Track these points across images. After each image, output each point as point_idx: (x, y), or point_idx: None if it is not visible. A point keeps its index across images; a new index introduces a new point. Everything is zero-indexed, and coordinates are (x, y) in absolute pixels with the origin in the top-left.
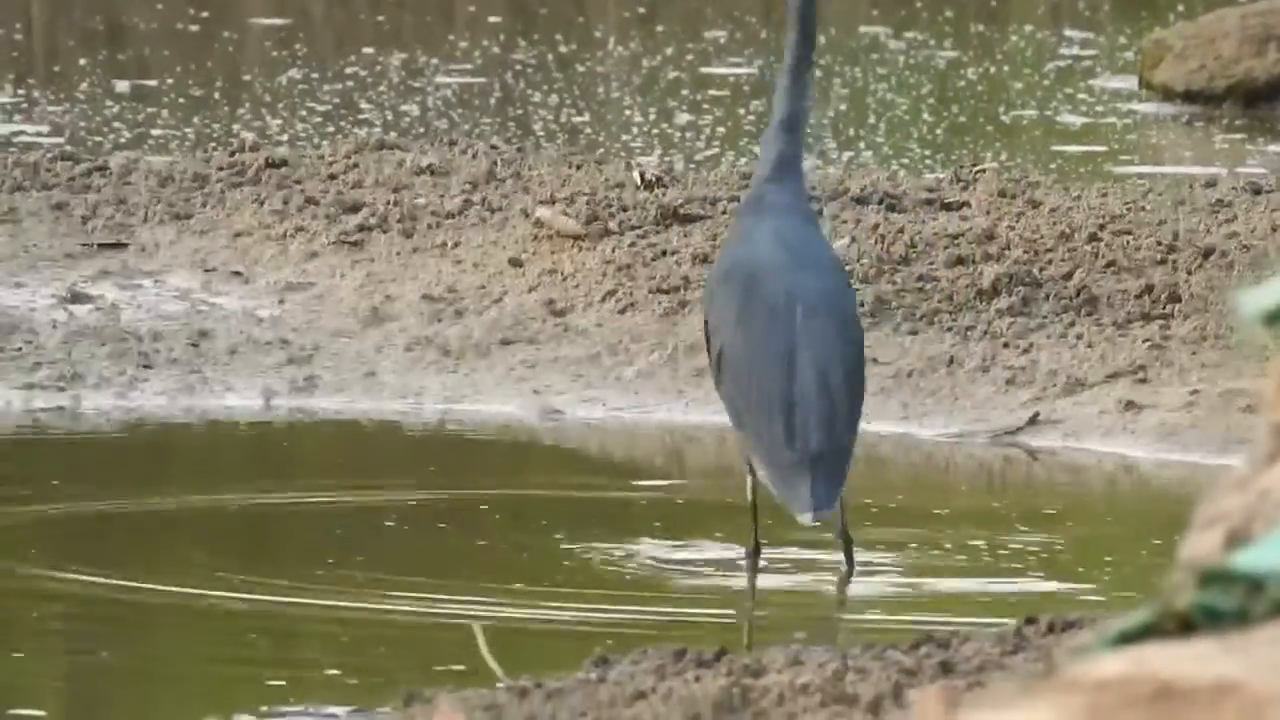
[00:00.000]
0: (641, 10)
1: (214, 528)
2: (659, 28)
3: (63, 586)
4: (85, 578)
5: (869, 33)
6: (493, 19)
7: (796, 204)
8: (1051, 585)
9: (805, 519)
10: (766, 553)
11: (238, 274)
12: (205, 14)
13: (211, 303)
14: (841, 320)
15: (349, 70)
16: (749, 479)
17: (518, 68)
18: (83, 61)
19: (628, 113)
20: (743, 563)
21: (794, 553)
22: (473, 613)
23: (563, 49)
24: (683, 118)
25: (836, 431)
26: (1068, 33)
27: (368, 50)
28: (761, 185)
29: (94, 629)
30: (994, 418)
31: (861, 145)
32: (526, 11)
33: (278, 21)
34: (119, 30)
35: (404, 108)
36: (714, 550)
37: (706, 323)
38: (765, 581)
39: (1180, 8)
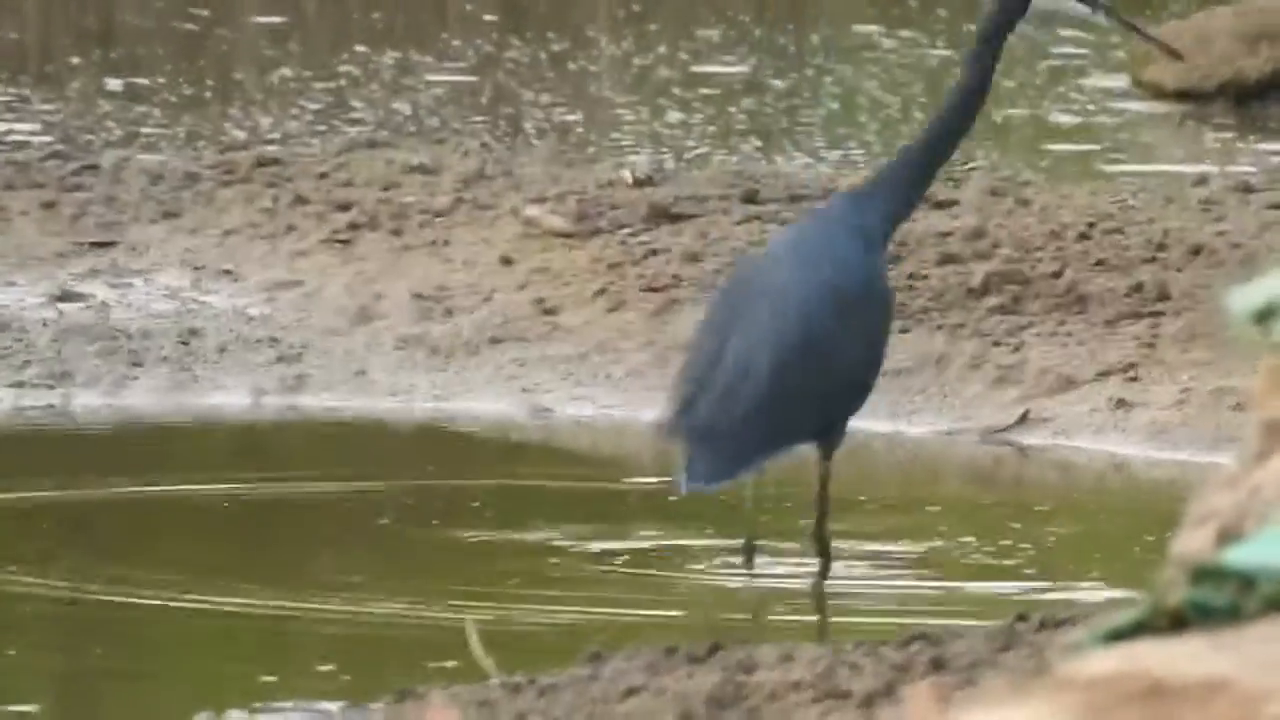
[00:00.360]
0: (636, 8)
1: (203, 523)
2: (651, 26)
3: (46, 585)
4: (70, 574)
5: (863, 31)
6: (486, 17)
7: (847, 214)
8: (1043, 582)
9: (678, 488)
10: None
11: (228, 272)
12: (199, 12)
13: (201, 301)
14: (803, 316)
15: (341, 68)
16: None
17: (509, 66)
18: (74, 59)
19: (618, 111)
20: (735, 558)
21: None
22: (463, 609)
23: (555, 47)
24: (673, 116)
25: (731, 412)
26: (1062, 31)
27: (361, 48)
28: (842, 195)
29: (81, 627)
30: (984, 415)
31: (852, 144)
32: (520, 9)
33: (273, 19)
34: (111, 28)
35: (395, 106)
36: (705, 543)
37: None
38: (758, 579)
39: (1175, 6)
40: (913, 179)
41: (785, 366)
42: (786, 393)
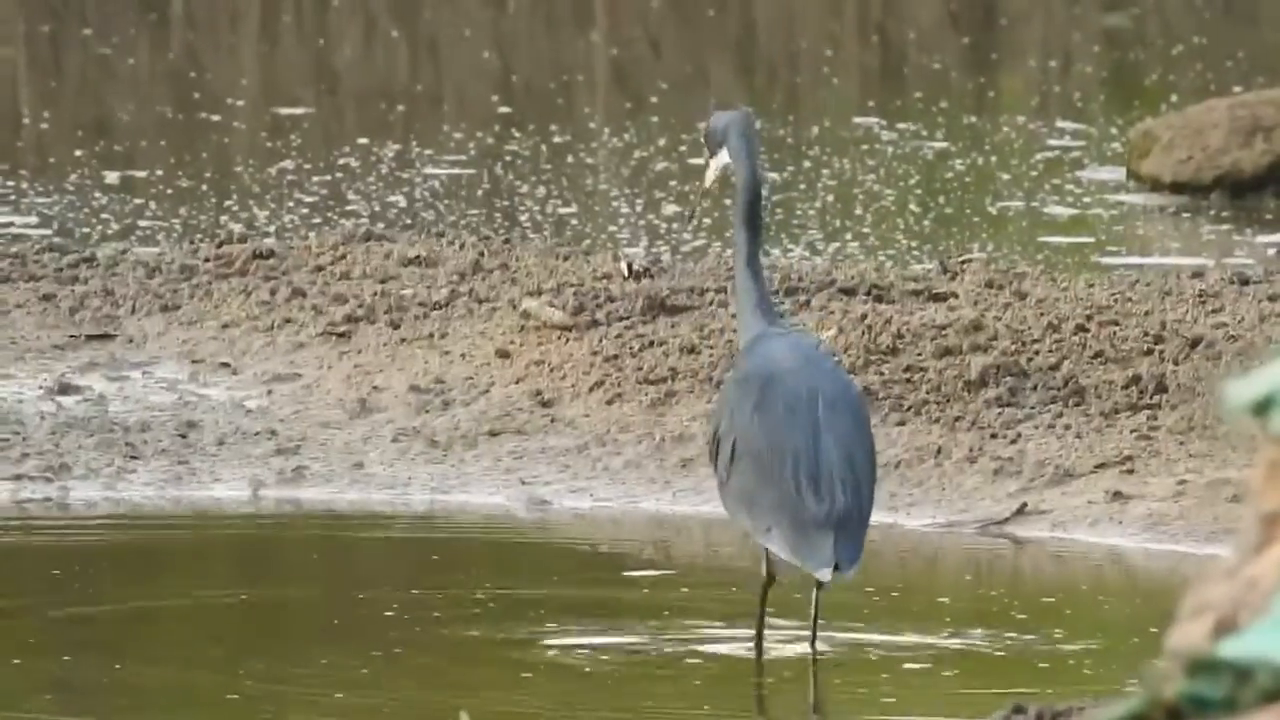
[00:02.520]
0: (637, 101)
1: (201, 620)
2: (653, 118)
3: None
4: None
5: (862, 124)
6: (490, 108)
7: (799, 337)
8: (1039, 674)
9: (824, 575)
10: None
11: (225, 365)
12: (195, 104)
13: (199, 394)
14: (861, 419)
15: (339, 161)
16: (763, 561)
17: (507, 158)
18: (74, 152)
19: (615, 203)
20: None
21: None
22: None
23: (556, 139)
24: (670, 209)
25: (862, 496)
26: (1059, 124)
27: (362, 140)
28: (759, 330)
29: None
30: (981, 508)
31: (848, 236)
32: (522, 101)
33: (272, 111)
34: (107, 121)
35: (391, 198)
36: (716, 635)
37: (716, 432)
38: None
39: (1174, 97)
40: (755, 291)
41: (873, 468)
42: (873, 481)
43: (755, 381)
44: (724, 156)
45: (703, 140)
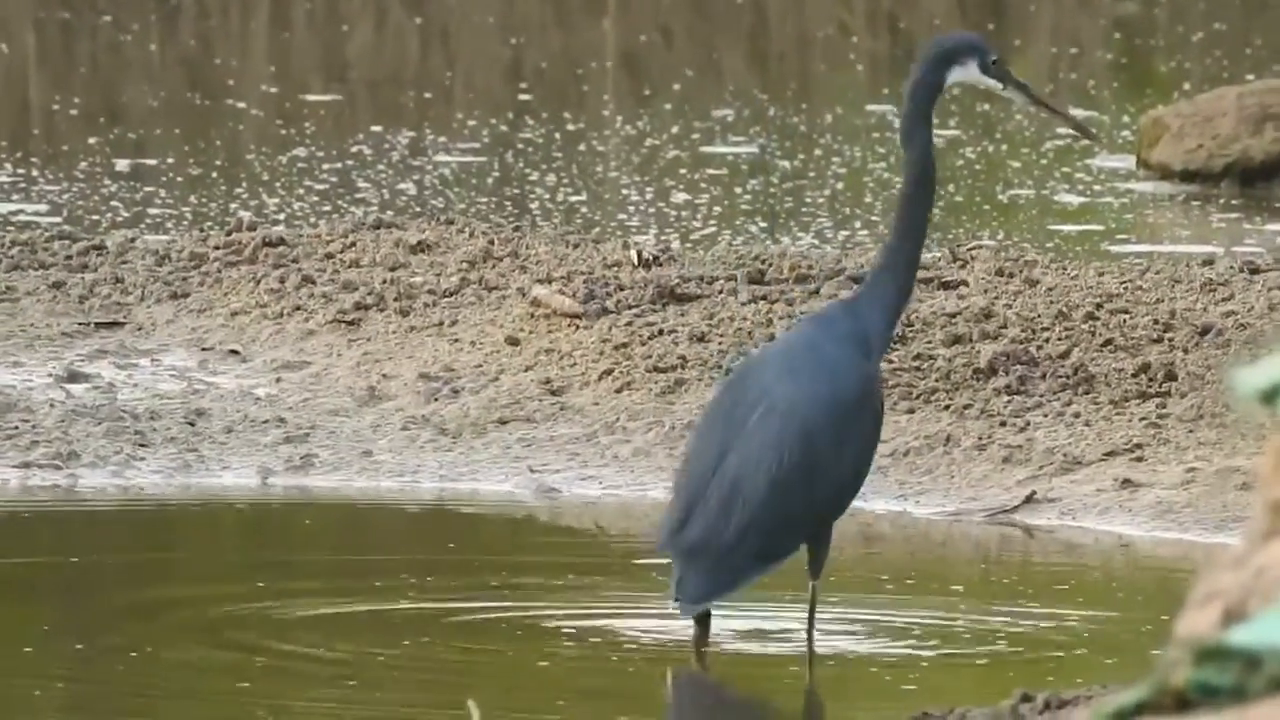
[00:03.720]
0: (653, 88)
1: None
2: (666, 105)
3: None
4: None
5: (876, 110)
6: (501, 96)
7: (843, 322)
8: (1048, 662)
9: (672, 607)
10: (761, 625)
11: (235, 353)
12: (205, 92)
13: (208, 381)
14: (804, 435)
15: (349, 149)
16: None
17: (519, 146)
18: (85, 140)
19: (625, 191)
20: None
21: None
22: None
23: (569, 127)
24: (680, 197)
25: (723, 532)
26: (1071, 111)
27: (372, 128)
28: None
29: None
30: (990, 496)
31: (857, 224)
32: (534, 88)
33: (284, 98)
34: (117, 108)
35: (401, 186)
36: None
37: None
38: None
39: (1186, 85)
40: (899, 276)
41: (783, 487)
42: (782, 513)
43: (732, 375)
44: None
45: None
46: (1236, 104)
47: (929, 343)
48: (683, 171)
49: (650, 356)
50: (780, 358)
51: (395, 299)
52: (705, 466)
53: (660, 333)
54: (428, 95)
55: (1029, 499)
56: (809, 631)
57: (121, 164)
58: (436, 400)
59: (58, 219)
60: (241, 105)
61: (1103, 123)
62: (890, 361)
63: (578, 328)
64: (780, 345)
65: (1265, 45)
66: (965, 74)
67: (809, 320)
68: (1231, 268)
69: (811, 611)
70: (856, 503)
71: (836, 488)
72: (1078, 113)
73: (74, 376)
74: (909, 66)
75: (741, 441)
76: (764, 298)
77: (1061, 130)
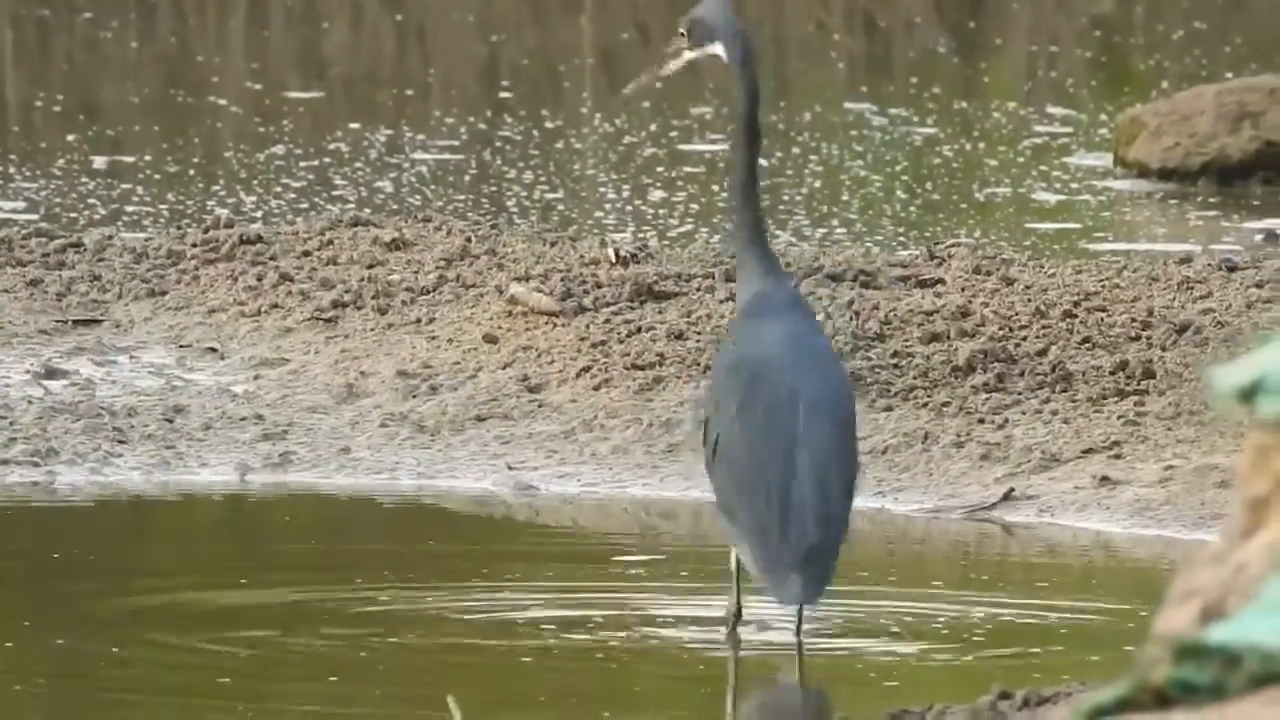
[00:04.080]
0: (621, 87)
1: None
2: (645, 103)
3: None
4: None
5: (853, 109)
6: (477, 94)
7: (797, 302)
8: (1026, 659)
9: (790, 607)
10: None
11: (212, 350)
12: (181, 90)
13: (186, 379)
14: (841, 421)
15: (326, 146)
16: (732, 551)
17: (497, 144)
18: (62, 137)
19: (602, 189)
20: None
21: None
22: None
23: (548, 125)
24: (657, 194)
25: (832, 526)
26: (1050, 109)
27: (349, 125)
28: (758, 285)
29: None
30: (969, 493)
31: (835, 222)
32: (511, 86)
33: (262, 96)
34: (94, 106)
35: (378, 184)
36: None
37: (705, 415)
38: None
39: (1164, 83)
40: (750, 218)
41: (851, 476)
42: (850, 502)
43: (744, 374)
44: (713, 49)
45: (683, 29)
46: (1214, 102)
47: (907, 341)
48: (660, 169)
49: (628, 354)
50: (787, 349)
51: (373, 296)
52: (776, 470)
53: (638, 330)
54: (405, 93)
55: (1007, 496)
56: (798, 625)
57: (99, 161)
58: (414, 398)
59: (35, 216)
60: (219, 102)
61: (1081, 121)
62: (868, 359)
63: (555, 325)
64: (775, 337)
65: (1244, 44)
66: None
67: (777, 308)
68: (1209, 266)
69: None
70: None
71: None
72: (1056, 111)
73: (52, 373)
74: (886, 66)
75: (805, 441)
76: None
77: (1039, 128)
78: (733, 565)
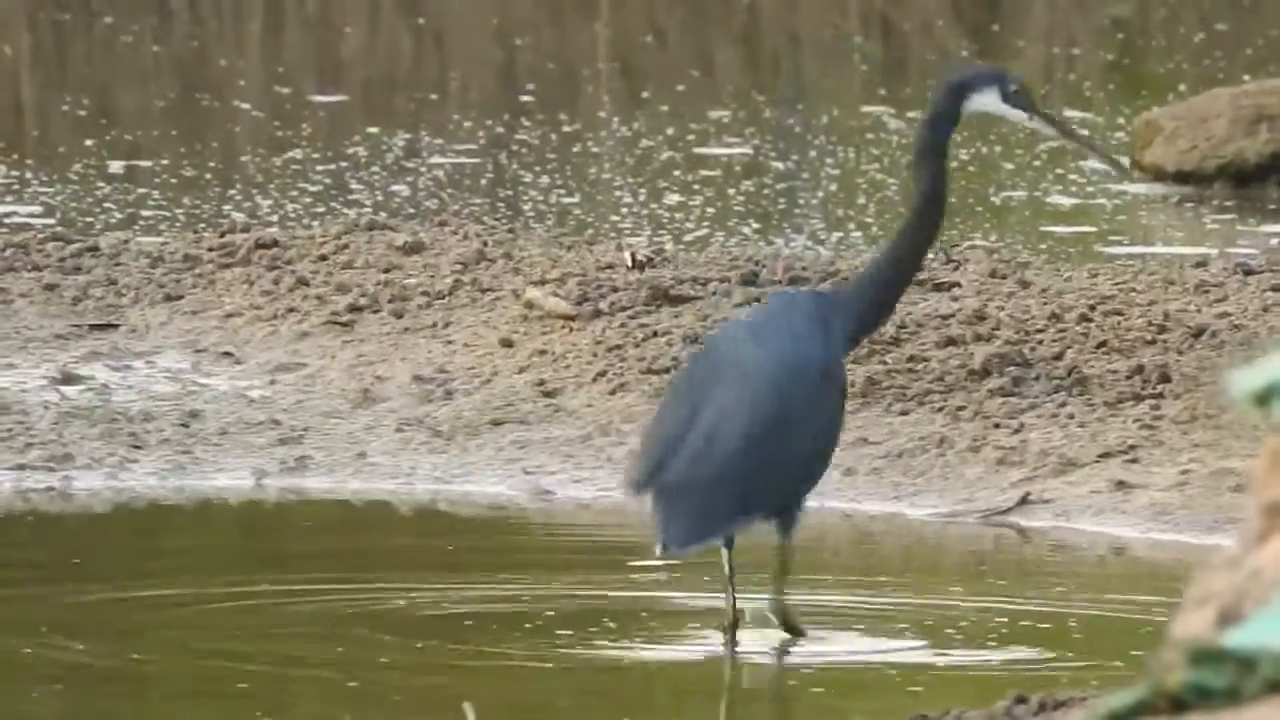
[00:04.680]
0: (652, 90)
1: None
2: (663, 107)
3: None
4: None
5: (871, 113)
6: (494, 98)
7: (810, 306)
8: (1043, 664)
9: (656, 551)
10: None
11: (228, 354)
12: (198, 94)
13: (202, 383)
14: (775, 388)
15: (343, 150)
16: (723, 553)
17: (513, 148)
18: (79, 142)
19: (618, 193)
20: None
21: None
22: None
23: (566, 129)
24: (673, 198)
25: (703, 473)
26: (1067, 113)
27: (366, 130)
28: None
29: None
30: (984, 497)
31: (851, 226)
32: (528, 90)
33: (282, 101)
34: (111, 110)
35: (394, 188)
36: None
37: None
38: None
39: (1181, 86)
40: (880, 296)
41: (756, 434)
42: (755, 461)
43: (702, 347)
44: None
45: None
46: (1230, 105)
47: (922, 344)
48: (676, 173)
49: (644, 358)
50: (747, 328)
51: (389, 301)
52: (678, 420)
53: (654, 334)
54: (422, 97)
55: (1023, 500)
56: (778, 594)
57: (115, 166)
58: (430, 402)
59: (51, 221)
60: (236, 107)
61: (1097, 124)
62: (884, 363)
63: (571, 329)
64: (746, 318)
65: (1262, 47)
66: (984, 103)
67: (775, 297)
68: (1225, 269)
69: (779, 572)
70: (852, 504)
71: (805, 453)
72: (1072, 115)
73: (68, 378)
74: (903, 69)
75: (715, 395)
76: (758, 299)
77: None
78: (725, 567)
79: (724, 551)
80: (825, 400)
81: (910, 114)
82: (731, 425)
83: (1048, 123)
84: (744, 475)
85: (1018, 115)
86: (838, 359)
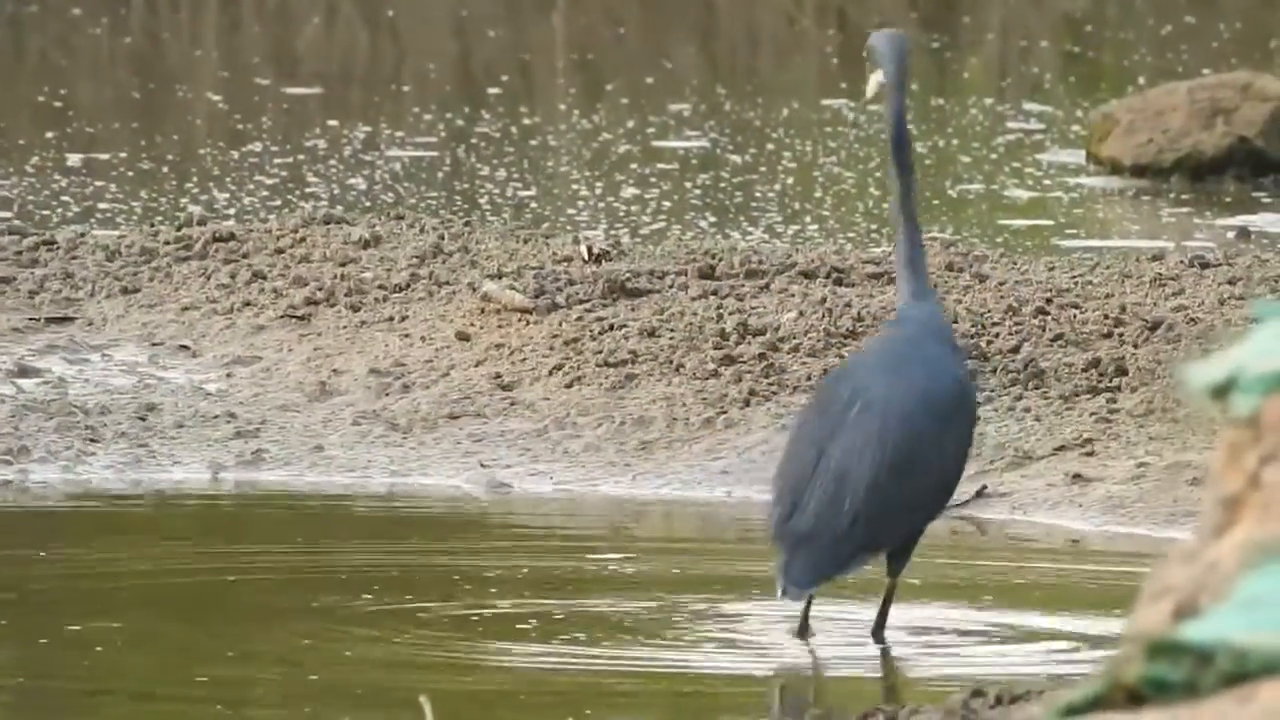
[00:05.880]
0: (615, 84)
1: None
2: (623, 100)
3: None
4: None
5: (830, 105)
6: (450, 91)
7: (930, 320)
8: (999, 657)
9: (779, 594)
10: (737, 629)
11: (185, 348)
12: (154, 87)
13: (159, 376)
14: (905, 423)
15: (299, 143)
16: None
17: (471, 141)
18: (35, 134)
19: (575, 186)
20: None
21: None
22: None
23: (517, 123)
24: (630, 191)
25: (835, 520)
26: (1026, 106)
27: (322, 123)
28: (900, 304)
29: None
30: None
31: (808, 219)
32: (484, 83)
33: (237, 94)
34: (67, 103)
35: (351, 181)
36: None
37: None
38: (721, 661)
39: (1141, 80)
40: (903, 237)
41: (887, 473)
42: (884, 500)
43: (827, 379)
44: (880, 76)
45: (865, 56)
46: (1187, 99)
47: None
48: (634, 166)
49: (601, 351)
50: (876, 356)
51: (346, 294)
52: (806, 461)
53: (611, 328)
54: (379, 90)
55: (980, 493)
56: (879, 630)
57: (73, 158)
58: (387, 395)
59: (8, 214)
60: (193, 99)
61: (1055, 117)
62: (841, 357)
63: (528, 323)
64: (878, 344)
65: (1219, 41)
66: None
67: (907, 314)
68: (1181, 263)
69: (884, 608)
70: None
71: (936, 483)
72: (1031, 107)
73: (24, 371)
74: (859, 60)
75: (843, 435)
76: (715, 292)
77: (1012, 125)
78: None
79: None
80: (956, 425)
81: (871, 107)
82: (862, 468)
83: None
84: (872, 516)
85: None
86: (969, 381)
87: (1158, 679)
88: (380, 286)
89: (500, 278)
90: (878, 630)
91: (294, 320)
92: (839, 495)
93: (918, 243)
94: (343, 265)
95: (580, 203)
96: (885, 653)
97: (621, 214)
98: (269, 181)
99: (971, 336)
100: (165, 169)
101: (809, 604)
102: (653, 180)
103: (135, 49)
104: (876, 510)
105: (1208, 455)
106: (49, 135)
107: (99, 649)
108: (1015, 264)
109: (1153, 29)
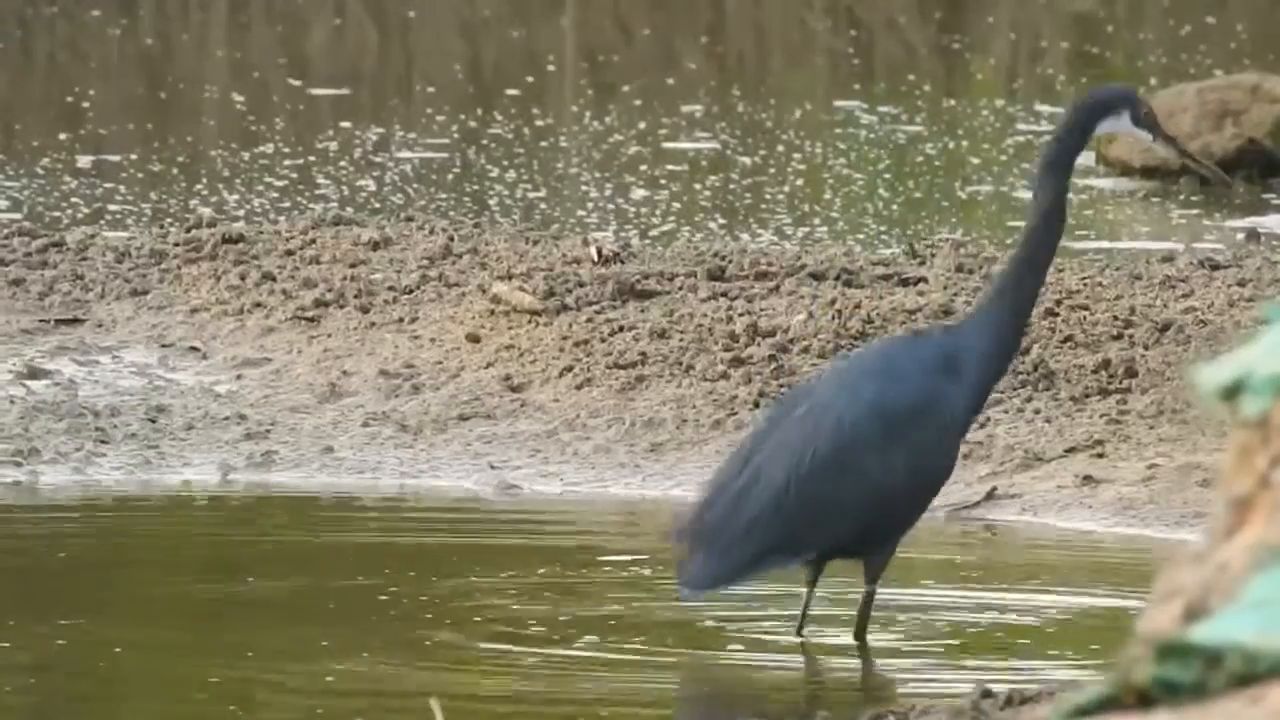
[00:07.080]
0: (630, 85)
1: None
2: (634, 102)
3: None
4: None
5: (843, 107)
6: (460, 93)
7: (932, 337)
8: (1010, 657)
9: (680, 592)
10: (746, 635)
11: (195, 349)
12: (165, 89)
13: (169, 378)
14: (835, 428)
15: (309, 145)
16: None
17: (479, 143)
18: (46, 136)
19: (584, 188)
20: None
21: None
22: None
23: (527, 124)
24: (639, 193)
25: (734, 521)
26: (1037, 107)
27: (331, 125)
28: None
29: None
30: (952, 492)
31: (817, 221)
32: (493, 85)
33: (254, 96)
34: (78, 104)
35: (361, 183)
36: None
37: None
38: (735, 658)
39: (1152, 81)
40: (1004, 317)
41: (803, 482)
42: (799, 508)
43: (793, 387)
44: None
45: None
46: (1197, 100)
47: None
48: (643, 167)
49: (610, 353)
50: (845, 364)
51: (355, 296)
52: (737, 460)
53: (620, 329)
54: (389, 92)
55: (990, 495)
56: (859, 634)
57: (82, 160)
58: (397, 397)
59: (17, 215)
60: (203, 101)
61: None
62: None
63: (538, 324)
64: (854, 356)
65: (1238, 40)
66: (1116, 124)
67: (896, 340)
68: (1191, 264)
69: (861, 616)
70: None
71: (878, 494)
72: (1043, 109)
73: (34, 373)
74: (873, 64)
75: (773, 439)
76: (724, 294)
77: (1021, 125)
78: (803, 603)
79: (806, 590)
80: (911, 437)
81: (882, 109)
82: (774, 471)
83: (1168, 144)
84: (785, 518)
85: (1143, 136)
86: (952, 396)
87: (1167, 680)
88: (390, 288)
89: (510, 279)
90: (859, 635)
91: (304, 322)
92: (745, 497)
93: (1010, 268)
94: (353, 267)
95: (590, 204)
96: (877, 654)
97: (631, 216)
98: (279, 183)
99: None
100: (175, 171)
101: (808, 600)
102: (662, 182)
103: (146, 51)
104: (782, 517)
105: (1218, 457)
106: (60, 137)
107: (113, 650)
108: None
109: (1166, 30)
